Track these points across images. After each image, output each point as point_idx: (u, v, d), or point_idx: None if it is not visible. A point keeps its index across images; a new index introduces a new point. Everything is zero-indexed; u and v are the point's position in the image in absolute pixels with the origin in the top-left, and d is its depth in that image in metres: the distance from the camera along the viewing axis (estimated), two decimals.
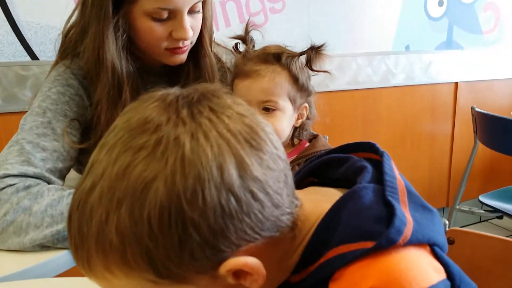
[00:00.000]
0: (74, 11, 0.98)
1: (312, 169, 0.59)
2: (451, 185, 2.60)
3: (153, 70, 1.04)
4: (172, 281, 0.42)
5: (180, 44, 0.95)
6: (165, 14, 0.90)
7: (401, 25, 2.27)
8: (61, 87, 0.94)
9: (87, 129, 0.96)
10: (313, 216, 0.50)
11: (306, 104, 1.02)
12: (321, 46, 0.98)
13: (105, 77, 0.91)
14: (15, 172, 0.84)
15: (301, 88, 0.99)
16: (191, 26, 0.94)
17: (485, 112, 1.77)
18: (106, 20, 0.89)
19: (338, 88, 2.16)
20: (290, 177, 0.48)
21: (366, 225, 0.46)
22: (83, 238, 0.42)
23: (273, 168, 0.44)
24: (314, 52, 0.98)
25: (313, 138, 1.06)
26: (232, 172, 0.41)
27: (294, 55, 0.98)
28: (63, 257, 0.80)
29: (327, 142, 1.36)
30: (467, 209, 1.93)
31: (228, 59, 1.15)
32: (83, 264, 0.43)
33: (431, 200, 2.57)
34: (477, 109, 1.83)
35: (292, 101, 0.98)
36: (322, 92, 2.13)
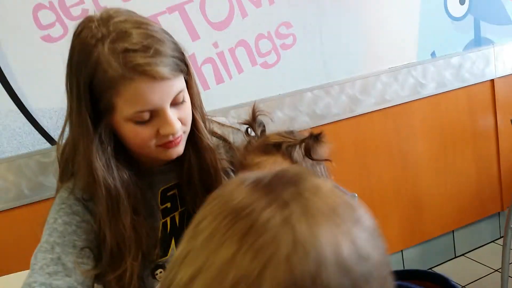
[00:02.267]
0: (64, 126, 0.96)
1: None
2: (503, 186, 2.45)
3: (159, 170, 1.01)
4: None
5: (170, 138, 0.90)
6: (146, 116, 0.86)
7: (422, 32, 2.15)
8: (66, 216, 0.92)
9: (99, 252, 0.94)
10: None
11: None
12: (320, 134, 0.91)
13: (100, 193, 0.89)
14: None
15: None
16: (180, 118, 0.90)
17: None
18: (88, 136, 0.86)
19: (365, 110, 2.07)
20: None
21: None
22: None
23: (378, 245, 0.42)
24: (312, 140, 0.91)
25: None
26: (347, 252, 0.39)
27: (294, 144, 0.92)
28: None
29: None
30: None
31: (236, 138, 1.10)
32: None
33: (484, 207, 2.43)
34: None
35: None
36: (349, 118, 2.06)
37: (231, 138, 1.09)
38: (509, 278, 1.96)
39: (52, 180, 1.58)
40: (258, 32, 1.83)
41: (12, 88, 1.52)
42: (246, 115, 1.78)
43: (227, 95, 1.80)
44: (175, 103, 0.88)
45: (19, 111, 1.53)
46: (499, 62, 2.33)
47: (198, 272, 0.39)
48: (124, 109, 0.84)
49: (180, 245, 0.43)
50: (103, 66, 0.82)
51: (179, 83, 0.87)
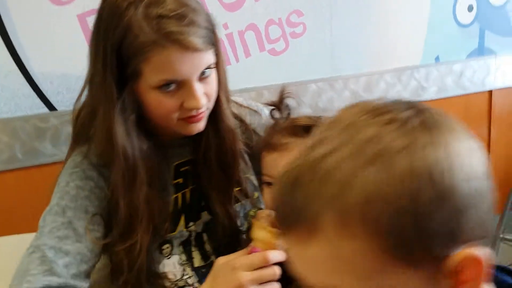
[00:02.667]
0: (82, 90, 0.92)
1: None
2: None
3: (176, 143, 0.98)
4: (398, 258, 0.41)
5: (194, 113, 0.89)
6: (172, 86, 0.84)
7: (429, 36, 2.15)
8: (79, 180, 0.89)
9: (110, 220, 0.91)
10: None
11: None
12: None
13: (118, 161, 0.86)
14: (38, 285, 0.79)
15: None
16: (205, 93, 0.88)
17: None
18: (111, 101, 0.83)
19: None
20: None
21: None
22: (313, 200, 0.42)
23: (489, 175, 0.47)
24: None
25: None
26: (473, 163, 0.44)
27: None
28: None
29: None
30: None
31: (253, 120, 1.08)
32: (301, 227, 0.43)
33: None
34: None
35: None
36: None
37: (247, 119, 1.07)
38: None
39: (47, 146, 1.53)
40: (269, 17, 1.80)
41: (14, 47, 1.46)
42: (250, 100, 1.76)
43: (232, 79, 1.76)
44: (202, 77, 0.86)
45: (19, 72, 1.48)
46: (499, 73, 2.35)
47: (334, 149, 0.42)
48: (151, 76, 0.82)
49: (310, 139, 0.46)
50: (134, 31, 0.79)
51: (209, 56, 0.85)
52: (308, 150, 0.45)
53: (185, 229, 0.99)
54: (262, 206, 1.09)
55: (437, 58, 2.20)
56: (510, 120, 2.40)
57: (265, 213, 0.86)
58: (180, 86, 0.84)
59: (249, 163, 1.07)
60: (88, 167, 0.89)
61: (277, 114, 1.01)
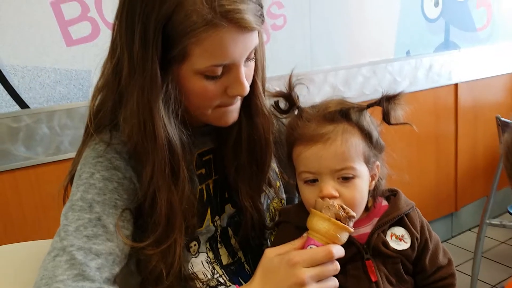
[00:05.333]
0: (103, 72, 0.81)
1: None
2: (458, 189, 2.53)
3: (197, 131, 0.88)
4: None
5: (234, 100, 0.80)
6: (220, 71, 0.75)
7: (400, 30, 2.17)
8: (105, 171, 0.77)
9: (138, 216, 0.80)
10: None
11: (378, 163, 0.87)
12: (397, 95, 0.84)
13: (159, 156, 0.75)
14: None
15: (375, 145, 0.84)
16: (246, 77, 0.79)
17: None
18: (154, 87, 0.72)
19: None
20: None
21: None
22: None
23: None
24: (390, 103, 0.83)
25: (391, 195, 0.90)
26: None
27: (362, 108, 0.83)
28: None
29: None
30: (498, 223, 1.85)
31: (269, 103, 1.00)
32: None
33: (440, 206, 2.50)
34: (502, 119, 1.75)
35: (367, 162, 0.82)
36: None
37: (267, 103, 0.98)
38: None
39: (21, 149, 1.38)
40: None
41: None
42: None
43: None
44: (246, 59, 0.77)
45: None
46: (463, 67, 2.41)
47: None
48: (199, 60, 0.72)
49: None
50: (186, 8, 0.69)
51: (256, 37, 0.77)
52: None
53: (211, 224, 0.90)
54: (283, 196, 1.02)
55: (407, 52, 2.22)
56: (474, 110, 2.49)
57: (329, 203, 0.78)
58: (226, 71, 0.75)
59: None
60: (114, 156, 0.78)
61: (283, 105, 0.91)
